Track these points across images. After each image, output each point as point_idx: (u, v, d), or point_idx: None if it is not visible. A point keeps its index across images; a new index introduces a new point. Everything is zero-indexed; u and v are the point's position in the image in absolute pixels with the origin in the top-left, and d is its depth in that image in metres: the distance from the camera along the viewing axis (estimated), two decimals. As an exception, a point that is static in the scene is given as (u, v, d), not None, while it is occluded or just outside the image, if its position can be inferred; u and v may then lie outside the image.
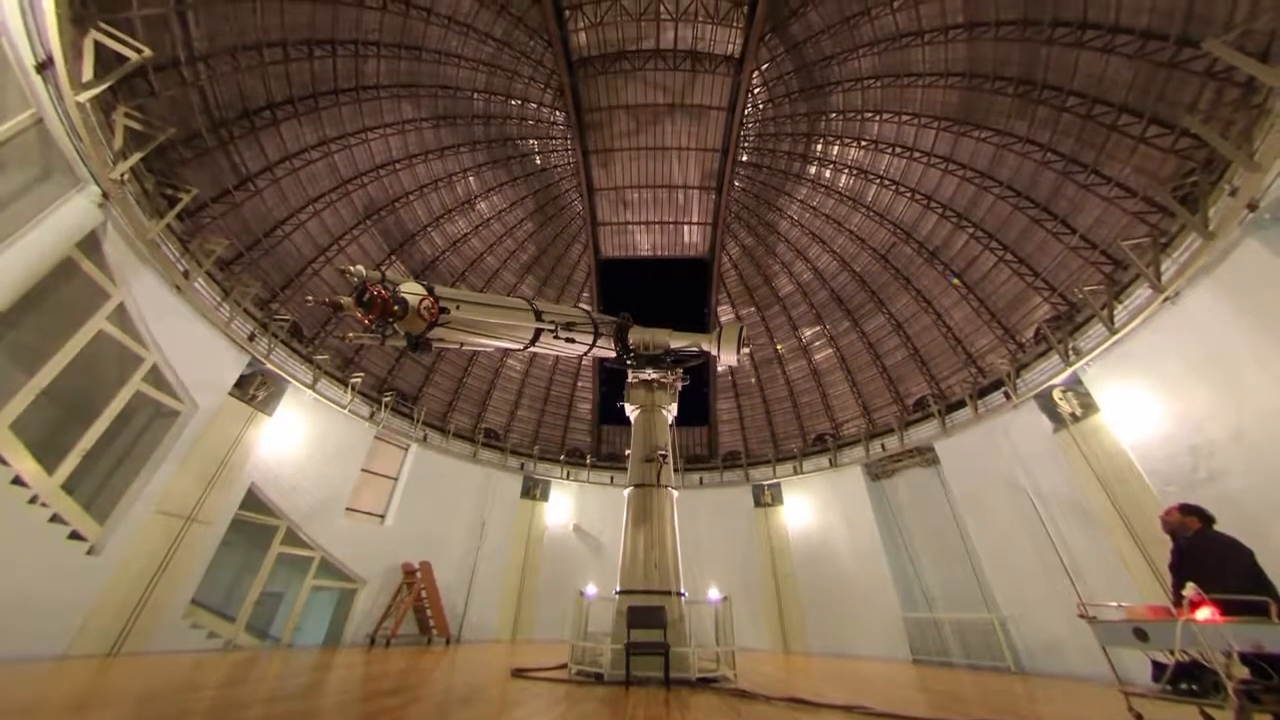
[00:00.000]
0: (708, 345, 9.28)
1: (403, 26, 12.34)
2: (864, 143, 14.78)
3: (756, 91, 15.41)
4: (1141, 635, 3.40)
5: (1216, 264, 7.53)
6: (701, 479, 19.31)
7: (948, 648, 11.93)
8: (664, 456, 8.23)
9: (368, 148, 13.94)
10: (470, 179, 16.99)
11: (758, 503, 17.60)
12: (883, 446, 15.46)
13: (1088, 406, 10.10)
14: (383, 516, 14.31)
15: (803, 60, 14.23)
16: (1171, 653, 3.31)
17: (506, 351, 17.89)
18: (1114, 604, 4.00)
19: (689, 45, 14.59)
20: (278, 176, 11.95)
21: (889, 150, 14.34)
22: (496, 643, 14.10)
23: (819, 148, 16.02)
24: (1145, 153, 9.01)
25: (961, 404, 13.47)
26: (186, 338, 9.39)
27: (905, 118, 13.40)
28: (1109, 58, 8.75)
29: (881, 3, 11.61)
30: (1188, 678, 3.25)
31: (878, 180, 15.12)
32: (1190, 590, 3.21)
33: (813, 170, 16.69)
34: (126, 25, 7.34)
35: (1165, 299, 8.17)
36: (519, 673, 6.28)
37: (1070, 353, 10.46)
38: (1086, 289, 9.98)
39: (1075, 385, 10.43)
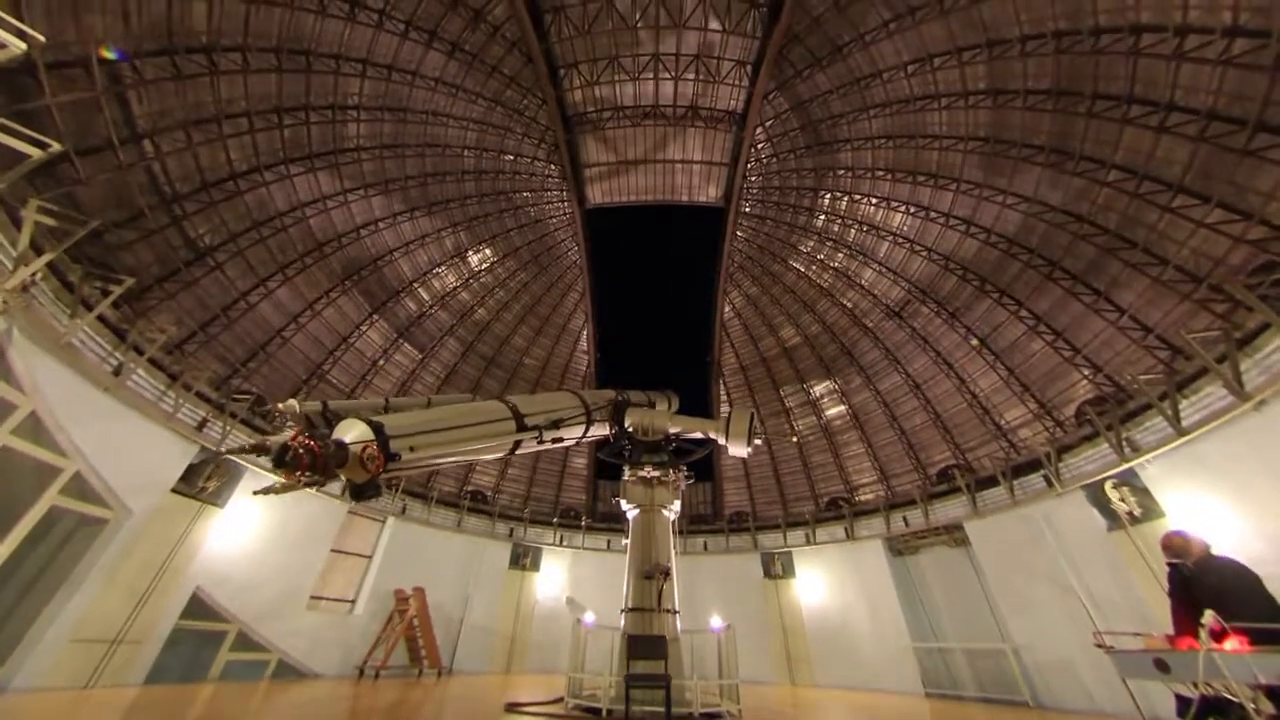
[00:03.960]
0: (714, 433, 8.13)
1: (385, 90, 11.74)
2: (875, 200, 14.00)
3: (760, 146, 14.79)
4: (1163, 666, 3.28)
5: (1315, 374, 6.45)
6: (706, 544, 17.77)
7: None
8: (666, 574, 7.03)
9: (347, 209, 13.14)
10: (460, 233, 16.25)
11: (767, 573, 16.05)
12: (905, 521, 14.06)
13: (1148, 507, 8.83)
14: (353, 603, 12.86)
15: (809, 118, 13.63)
16: (1195, 685, 3.12)
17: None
18: (1132, 633, 3.89)
19: (689, 101, 14.06)
20: (242, 247, 11.05)
21: (902, 209, 13.52)
22: (490, 673, 12.99)
23: (826, 201, 15.29)
24: (1207, 237, 8.05)
25: (993, 480, 12.20)
26: (118, 438, 8.26)
27: (921, 178, 12.62)
28: (1161, 136, 7.89)
29: (894, 66, 10.96)
30: (1214, 712, 3.08)
31: (890, 237, 14.27)
32: (1209, 618, 3.04)
33: (820, 223, 15.92)
34: (45, 113, 6.49)
35: (1251, 406, 7.02)
36: (513, 707, 6.01)
37: (1124, 444, 9.25)
38: (1142, 376, 8.85)
39: (1131, 479, 9.18)
